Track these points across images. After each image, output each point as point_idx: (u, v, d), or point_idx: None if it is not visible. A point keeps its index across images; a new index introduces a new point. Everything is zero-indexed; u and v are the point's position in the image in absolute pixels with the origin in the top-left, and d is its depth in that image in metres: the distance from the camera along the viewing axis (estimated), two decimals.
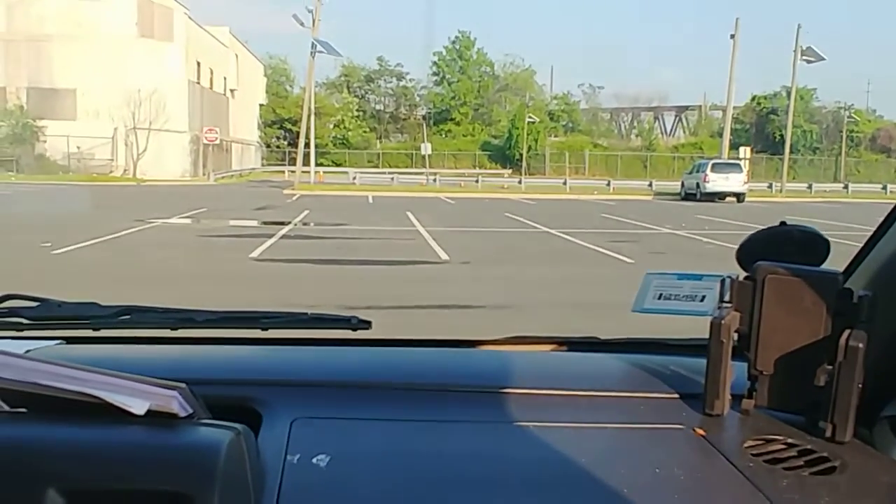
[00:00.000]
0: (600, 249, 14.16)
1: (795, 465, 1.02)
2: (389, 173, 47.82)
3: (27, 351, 1.04)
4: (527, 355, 1.50)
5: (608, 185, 42.02)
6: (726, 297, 1.17)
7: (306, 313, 1.45)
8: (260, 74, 62.71)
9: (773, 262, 1.15)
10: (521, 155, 56.46)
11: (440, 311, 8.09)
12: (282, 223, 18.11)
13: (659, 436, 1.11)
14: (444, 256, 12.81)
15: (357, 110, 66.56)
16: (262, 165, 59.64)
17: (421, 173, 46.29)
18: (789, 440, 1.09)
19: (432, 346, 1.59)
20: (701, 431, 1.11)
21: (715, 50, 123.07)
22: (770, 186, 43.44)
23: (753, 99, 65.92)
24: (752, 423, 1.15)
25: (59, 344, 1.40)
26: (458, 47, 69.83)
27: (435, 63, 69.65)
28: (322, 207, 24.06)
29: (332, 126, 63.45)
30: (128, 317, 1.37)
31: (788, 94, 57.29)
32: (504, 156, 61.35)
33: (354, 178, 42.57)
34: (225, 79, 53.83)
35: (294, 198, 29.83)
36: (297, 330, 1.49)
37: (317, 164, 44.01)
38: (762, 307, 1.14)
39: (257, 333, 1.43)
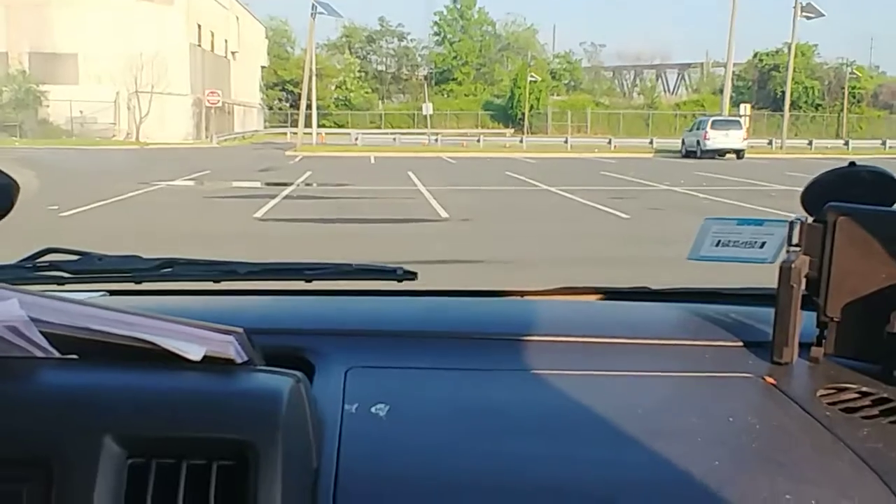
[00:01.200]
0: (598, 206, 14.43)
1: (873, 415, 0.98)
2: (391, 134, 48.00)
3: None
4: (578, 304, 1.48)
5: (609, 143, 42.25)
6: (794, 241, 1.13)
7: (351, 264, 1.41)
8: (261, 36, 62.46)
9: (843, 203, 1.10)
10: (523, 114, 56.45)
11: (440, 266, 8.39)
12: (285, 184, 18.34)
13: (728, 384, 1.07)
14: (444, 214, 13.12)
15: (359, 71, 66.35)
16: (265, 128, 59.77)
17: (423, 133, 46.41)
18: (864, 389, 1.05)
19: (478, 297, 1.57)
20: (771, 380, 1.07)
21: (717, 6, 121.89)
22: (770, 143, 43.61)
23: (755, 55, 65.53)
24: (823, 372, 1.11)
25: (103, 296, 1.38)
26: (459, 6, 69.36)
27: (436, 23, 69.34)
28: (324, 168, 24.25)
29: (333, 87, 63.36)
30: (170, 269, 1.35)
31: (789, 50, 57.10)
32: (506, 115, 61.28)
33: (356, 139, 42.75)
34: (226, 41, 53.70)
35: (296, 159, 30.02)
36: (341, 281, 1.45)
37: (319, 126, 44.15)
38: (833, 251, 1.10)
39: (301, 285, 1.42)
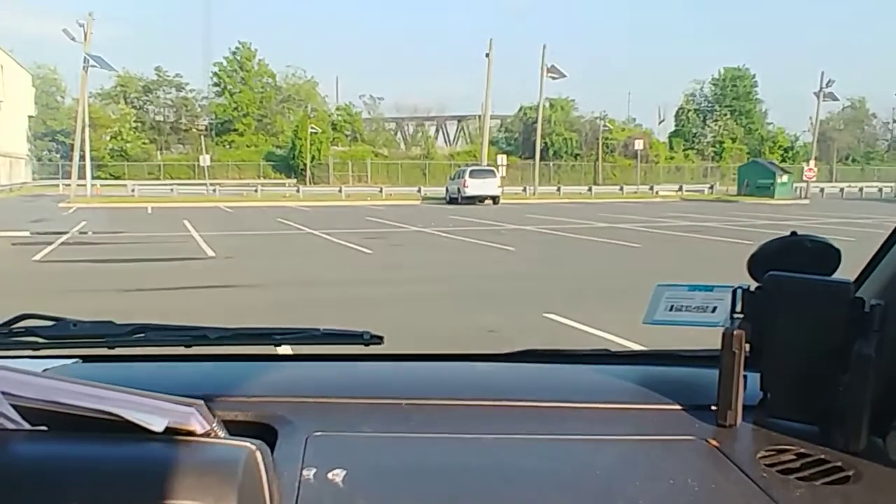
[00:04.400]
0: (349, 244, 16.80)
1: (809, 475, 1.02)
2: (170, 185, 48.36)
3: (45, 370, 1.09)
4: (538, 368, 1.53)
5: (380, 191, 45.30)
6: (738, 308, 1.17)
7: (318, 329, 1.44)
8: (27, 84, 60.35)
9: (784, 271, 1.15)
10: (304, 165, 58.29)
11: (199, 291, 10.30)
12: (60, 233, 19.19)
13: (672, 447, 1.11)
14: (211, 253, 15.03)
15: (135, 121, 65.30)
16: (34, 179, 57.67)
17: (202, 184, 47.19)
18: (802, 450, 1.08)
19: (443, 361, 1.61)
20: (714, 442, 1.11)
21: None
22: (525, 189, 48.47)
23: (521, 109, 71.04)
24: (765, 434, 1.15)
25: (76, 363, 1.42)
26: (238, 58, 70.14)
27: (216, 73, 69.59)
28: (100, 219, 25.00)
29: (108, 138, 62.07)
30: (142, 335, 1.38)
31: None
32: (288, 166, 62.55)
33: (133, 191, 42.97)
34: None
35: (70, 210, 30.19)
36: (309, 346, 1.47)
37: (94, 178, 43.76)
38: (774, 317, 1.14)
39: (270, 350, 1.46)
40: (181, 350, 1.43)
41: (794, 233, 1.24)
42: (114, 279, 11.44)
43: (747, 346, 1.16)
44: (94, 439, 0.85)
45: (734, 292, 1.19)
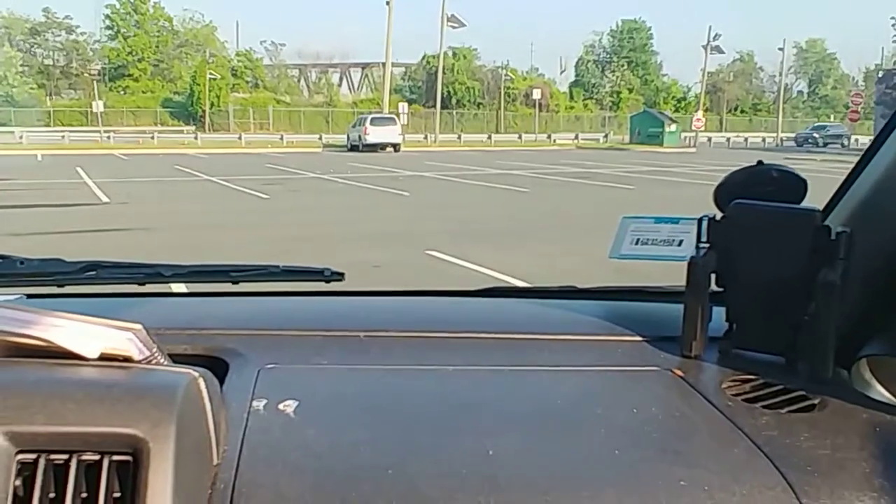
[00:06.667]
0: (247, 190, 17.11)
1: (774, 404, 1.02)
2: (61, 132, 46.72)
3: None
4: (503, 303, 1.51)
5: (281, 139, 44.99)
6: (703, 238, 1.15)
7: (278, 266, 1.40)
8: None
9: (750, 200, 1.13)
10: (203, 111, 57.08)
11: (94, 235, 10.53)
12: None
13: (636, 377, 1.11)
14: (105, 199, 15.17)
15: (22, 65, 62.50)
16: None
17: (96, 131, 45.84)
18: (767, 380, 1.08)
19: (405, 296, 1.59)
20: (679, 373, 1.11)
21: (394, 8, 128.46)
22: (426, 137, 48.94)
23: (424, 58, 71.08)
24: (731, 364, 1.14)
25: (20, 298, 1.36)
26: (132, 0, 67.79)
27: (108, 16, 67.03)
28: None
29: None
30: (93, 272, 1.33)
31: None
32: (187, 112, 61.11)
33: (21, 138, 41.45)
34: None
35: None
36: (269, 283, 1.41)
37: None
38: (739, 246, 1.13)
39: (228, 287, 1.42)
40: (135, 288, 1.39)
41: (760, 162, 1.21)
42: (4, 224, 11.51)
43: (713, 276, 1.15)
44: (22, 364, 0.80)
45: (699, 221, 1.17)
